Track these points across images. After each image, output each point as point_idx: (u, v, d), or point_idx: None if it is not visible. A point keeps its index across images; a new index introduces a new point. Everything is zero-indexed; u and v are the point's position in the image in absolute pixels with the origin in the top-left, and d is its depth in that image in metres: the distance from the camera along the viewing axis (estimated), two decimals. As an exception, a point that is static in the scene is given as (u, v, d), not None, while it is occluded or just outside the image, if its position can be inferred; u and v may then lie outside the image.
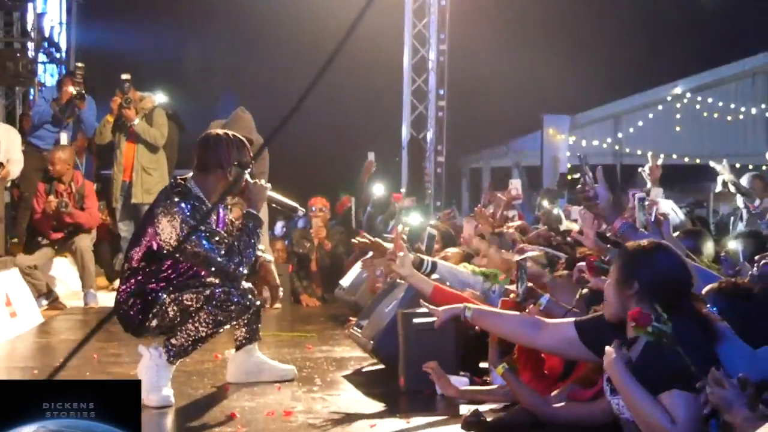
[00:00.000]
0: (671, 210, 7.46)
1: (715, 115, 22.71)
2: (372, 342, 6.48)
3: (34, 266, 10.23)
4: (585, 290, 5.08)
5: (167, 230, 5.61)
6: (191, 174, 5.85)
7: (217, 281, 5.73)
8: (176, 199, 5.62)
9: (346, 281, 9.69)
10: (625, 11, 23.77)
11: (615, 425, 4.21)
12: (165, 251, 5.67)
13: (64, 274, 11.60)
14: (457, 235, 9.26)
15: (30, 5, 16.76)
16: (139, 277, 5.72)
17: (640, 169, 8.75)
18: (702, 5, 22.35)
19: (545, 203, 12.58)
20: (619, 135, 23.21)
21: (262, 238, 6.21)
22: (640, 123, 22.90)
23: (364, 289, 8.93)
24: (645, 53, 23.98)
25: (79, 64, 12.43)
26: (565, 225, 9.58)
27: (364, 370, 6.82)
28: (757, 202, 10.02)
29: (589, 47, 23.22)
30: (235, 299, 5.66)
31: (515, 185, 9.10)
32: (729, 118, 22.72)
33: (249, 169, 5.91)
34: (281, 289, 7.77)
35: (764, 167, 16.61)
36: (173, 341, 5.65)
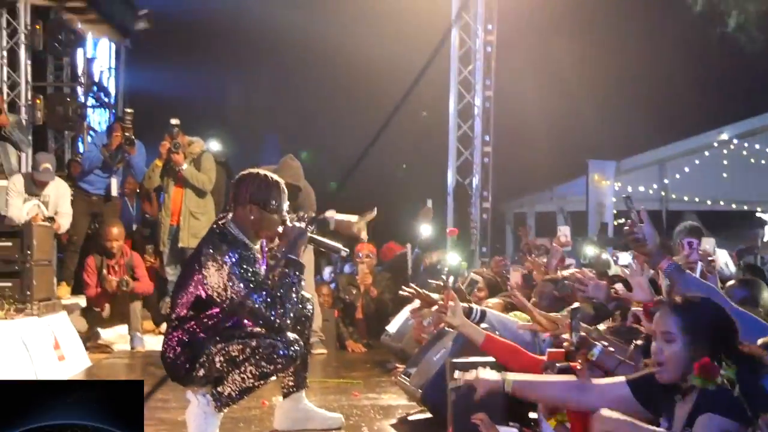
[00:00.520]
0: (725, 264, 7.36)
1: (763, 161, 22.52)
2: (420, 390, 6.44)
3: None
4: (640, 341, 5.00)
5: (214, 279, 5.58)
6: (230, 215, 5.84)
7: (263, 331, 5.70)
8: (224, 248, 5.60)
9: (392, 328, 9.65)
10: (670, 56, 23.72)
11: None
12: (212, 300, 5.66)
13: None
14: (504, 283, 9.22)
15: (80, 50, 17.00)
16: (187, 327, 5.70)
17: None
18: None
19: (590, 250, 12.51)
20: (665, 181, 23.04)
21: (305, 283, 6.16)
22: (686, 169, 22.74)
23: (411, 336, 8.87)
24: (691, 98, 23.88)
25: (128, 110, 12.57)
26: (614, 270, 9.48)
27: (411, 418, 6.78)
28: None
29: (634, 92, 23.19)
30: (281, 351, 5.59)
31: (564, 232, 9.01)
32: (776, 164, 22.54)
33: (273, 210, 5.84)
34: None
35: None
36: (220, 390, 5.63)
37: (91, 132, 12.95)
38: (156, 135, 12.06)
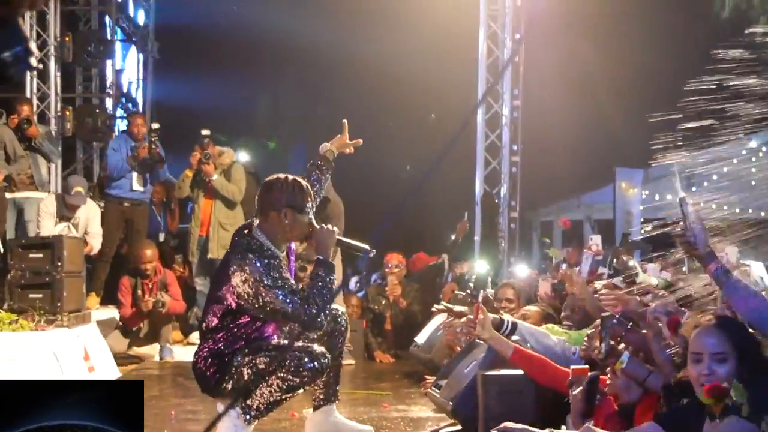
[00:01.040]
0: (760, 277, 7.30)
1: (792, 170, 22.36)
2: (451, 403, 6.43)
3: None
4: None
5: (243, 287, 5.60)
6: (257, 221, 5.86)
7: (291, 344, 5.71)
8: (250, 256, 5.62)
9: (421, 338, 9.64)
10: (698, 63, 23.61)
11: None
12: (242, 309, 5.69)
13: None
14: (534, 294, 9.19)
15: (109, 62, 17.11)
16: (217, 337, 5.73)
17: None
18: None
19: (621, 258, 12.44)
20: (693, 189, 22.90)
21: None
22: (715, 177, 22.60)
23: (440, 346, 8.86)
24: (720, 105, 23.73)
25: (155, 126, 12.64)
26: (642, 278, 9.42)
27: (441, 431, 6.76)
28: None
29: (662, 100, 23.08)
30: (308, 364, 5.57)
31: (595, 241, 8.98)
32: (806, 172, 22.36)
33: (306, 213, 5.88)
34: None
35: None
36: (249, 403, 5.64)
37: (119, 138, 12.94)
38: (183, 145, 12.12)
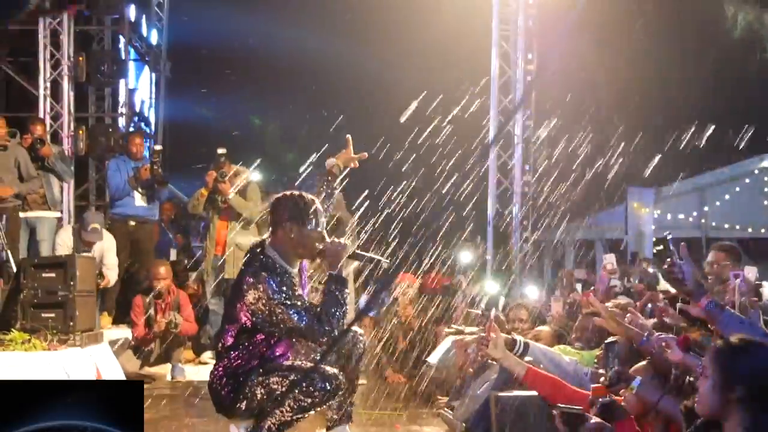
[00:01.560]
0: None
1: (803, 189, 22.35)
2: (464, 424, 6.41)
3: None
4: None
5: (257, 305, 5.61)
6: (268, 240, 5.88)
7: (303, 365, 5.72)
8: (263, 274, 5.63)
9: (433, 358, 9.61)
10: (710, 83, 23.60)
11: None
12: (256, 327, 5.69)
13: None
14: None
15: (122, 81, 17.18)
16: (232, 356, 5.74)
17: None
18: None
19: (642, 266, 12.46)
20: (705, 208, 22.88)
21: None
22: (727, 196, 22.58)
23: (452, 366, 8.84)
24: (731, 126, 23.71)
25: (158, 147, 12.66)
26: (662, 285, 9.41)
27: (454, 451, 6.74)
28: None
29: (673, 119, 23.05)
30: (320, 385, 5.57)
31: (610, 260, 8.96)
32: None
33: (312, 226, 5.86)
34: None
35: None
36: (261, 423, 5.63)
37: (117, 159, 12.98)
38: (195, 164, 12.14)
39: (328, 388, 5.59)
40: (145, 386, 10.03)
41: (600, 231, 23.96)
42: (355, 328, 6.33)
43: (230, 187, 11.52)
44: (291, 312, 5.56)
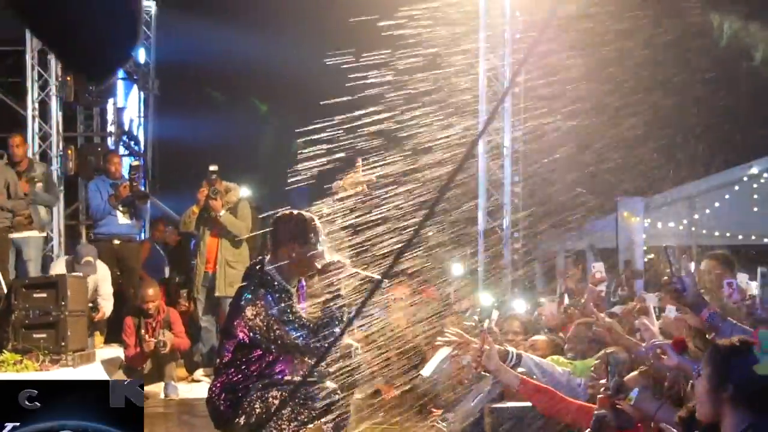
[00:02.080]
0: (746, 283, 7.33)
1: (793, 195, 22.36)
2: (459, 436, 6.42)
3: None
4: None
5: (255, 321, 5.66)
6: (268, 257, 5.91)
7: (301, 379, 5.74)
8: (261, 291, 5.68)
9: (426, 371, 9.60)
10: (699, 92, 23.67)
11: None
12: (254, 343, 5.72)
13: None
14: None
15: (110, 100, 17.18)
16: (230, 372, 5.77)
17: None
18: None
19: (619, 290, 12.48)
20: (695, 216, 22.91)
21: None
22: (717, 204, 22.62)
23: (446, 379, 8.84)
24: (719, 133, 23.79)
25: (134, 163, 12.69)
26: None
27: (449, 464, 6.74)
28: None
29: (663, 129, 23.12)
30: (318, 399, 5.63)
31: (598, 268, 9.00)
32: (806, 197, 22.36)
33: (313, 247, 5.88)
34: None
35: None
36: (259, 437, 5.65)
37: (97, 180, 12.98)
38: (185, 182, 12.15)
39: (326, 402, 5.64)
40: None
41: (591, 241, 23.98)
42: (349, 341, 6.34)
43: (222, 204, 11.51)
44: (288, 328, 5.61)
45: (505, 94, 14.57)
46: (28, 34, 14.29)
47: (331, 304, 5.77)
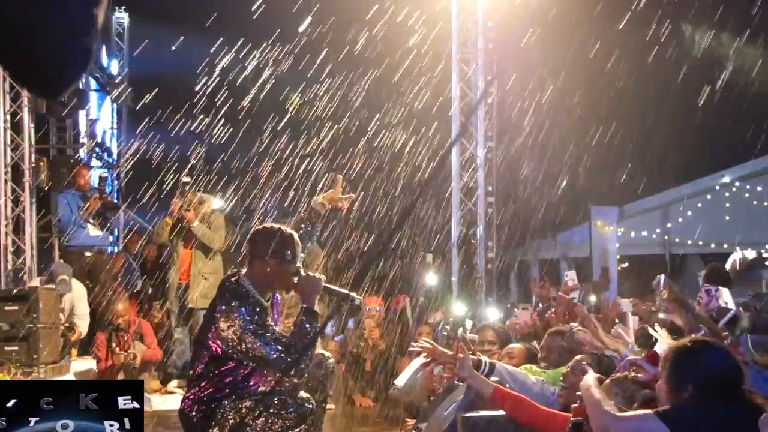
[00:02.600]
0: (725, 302, 7.37)
1: (765, 203, 22.51)
2: (432, 446, 6.42)
3: None
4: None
5: (227, 333, 5.64)
6: (244, 270, 5.91)
7: (275, 390, 5.73)
8: (234, 303, 5.67)
9: (400, 381, 9.59)
10: (670, 102, 23.81)
11: None
12: (226, 355, 5.70)
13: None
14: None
15: (82, 112, 17.11)
16: (203, 384, 5.74)
17: None
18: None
19: (592, 298, 12.52)
20: (668, 225, 23.05)
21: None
22: (689, 213, 22.76)
23: (420, 388, 8.85)
24: (692, 143, 23.93)
25: (103, 174, 12.66)
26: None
27: (423, 474, 6.74)
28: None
29: (635, 138, 23.24)
30: (292, 408, 5.63)
31: (571, 276, 9.04)
32: (778, 206, 22.54)
33: (291, 263, 5.89)
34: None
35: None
36: (233, 448, 5.63)
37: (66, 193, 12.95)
38: (158, 194, 12.12)
39: (300, 412, 5.65)
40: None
41: (564, 249, 24.08)
42: (322, 351, 6.34)
43: (195, 216, 11.49)
44: (260, 342, 5.59)
45: (477, 104, 14.63)
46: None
47: (304, 320, 5.75)
